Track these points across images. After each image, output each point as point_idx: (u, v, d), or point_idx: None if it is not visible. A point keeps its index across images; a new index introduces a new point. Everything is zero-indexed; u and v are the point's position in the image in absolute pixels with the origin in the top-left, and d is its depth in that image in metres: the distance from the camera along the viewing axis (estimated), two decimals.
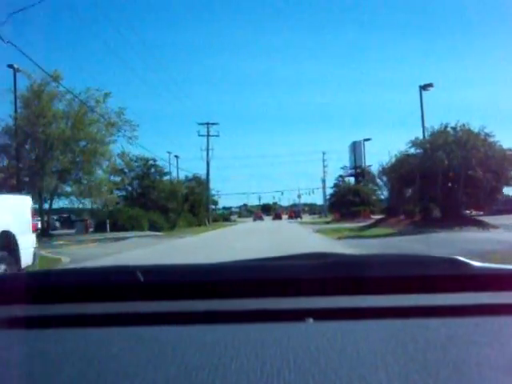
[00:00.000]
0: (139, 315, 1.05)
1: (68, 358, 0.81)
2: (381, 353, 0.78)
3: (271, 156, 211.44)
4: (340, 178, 67.59)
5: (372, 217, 46.51)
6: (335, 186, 66.88)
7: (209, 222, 61.01)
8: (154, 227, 38.56)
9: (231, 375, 0.71)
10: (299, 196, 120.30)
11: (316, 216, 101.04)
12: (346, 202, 53.14)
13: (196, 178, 68.35)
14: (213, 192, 73.62)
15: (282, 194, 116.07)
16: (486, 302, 1.07)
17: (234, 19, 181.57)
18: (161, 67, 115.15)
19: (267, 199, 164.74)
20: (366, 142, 64.31)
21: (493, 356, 0.77)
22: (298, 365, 0.74)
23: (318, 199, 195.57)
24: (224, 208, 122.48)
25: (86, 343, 0.89)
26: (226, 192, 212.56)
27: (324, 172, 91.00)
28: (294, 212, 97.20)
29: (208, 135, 65.66)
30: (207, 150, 66.04)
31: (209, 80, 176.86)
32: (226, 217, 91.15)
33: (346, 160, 67.26)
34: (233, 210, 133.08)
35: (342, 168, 68.82)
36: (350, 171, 67.00)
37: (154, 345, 0.85)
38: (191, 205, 55.02)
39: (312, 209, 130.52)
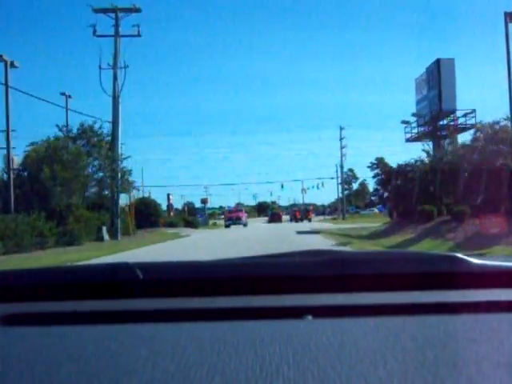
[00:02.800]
0: (138, 312, 1.06)
1: (66, 356, 0.81)
2: (380, 350, 0.79)
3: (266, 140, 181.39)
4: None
5: None
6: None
7: (131, 230, 30.14)
8: None
9: (230, 372, 0.72)
10: (304, 190, 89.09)
11: (328, 217, 70.98)
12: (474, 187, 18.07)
13: (87, 131, 28.06)
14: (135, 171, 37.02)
15: (282, 186, 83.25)
16: (484, 299, 1.08)
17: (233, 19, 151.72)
18: None
19: (264, 197, 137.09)
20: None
21: (492, 353, 0.78)
22: (297, 362, 0.74)
23: (325, 197, 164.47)
24: (221, 207, 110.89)
25: (84, 341, 0.89)
26: (219, 188, 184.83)
27: (342, 155, 60.33)
28: (299, 211, 65.17)
29: (117, 35, 28.16)
30: (114, 64, 27.96)
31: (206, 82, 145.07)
32: (188, 220, 51.69)
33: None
34: (226, 209, 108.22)
35: (402, 122, 32.40)
36: (424, 129, 30.43)
37: (153, 342, 0.86)
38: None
39: (316, 208, 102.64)
